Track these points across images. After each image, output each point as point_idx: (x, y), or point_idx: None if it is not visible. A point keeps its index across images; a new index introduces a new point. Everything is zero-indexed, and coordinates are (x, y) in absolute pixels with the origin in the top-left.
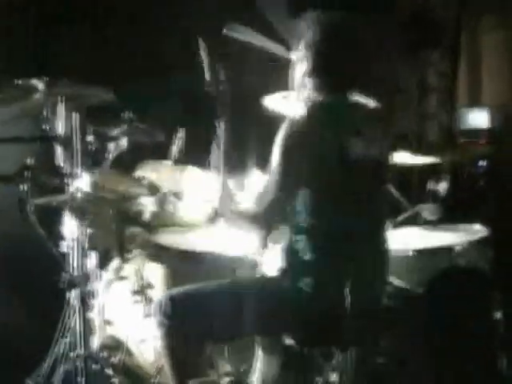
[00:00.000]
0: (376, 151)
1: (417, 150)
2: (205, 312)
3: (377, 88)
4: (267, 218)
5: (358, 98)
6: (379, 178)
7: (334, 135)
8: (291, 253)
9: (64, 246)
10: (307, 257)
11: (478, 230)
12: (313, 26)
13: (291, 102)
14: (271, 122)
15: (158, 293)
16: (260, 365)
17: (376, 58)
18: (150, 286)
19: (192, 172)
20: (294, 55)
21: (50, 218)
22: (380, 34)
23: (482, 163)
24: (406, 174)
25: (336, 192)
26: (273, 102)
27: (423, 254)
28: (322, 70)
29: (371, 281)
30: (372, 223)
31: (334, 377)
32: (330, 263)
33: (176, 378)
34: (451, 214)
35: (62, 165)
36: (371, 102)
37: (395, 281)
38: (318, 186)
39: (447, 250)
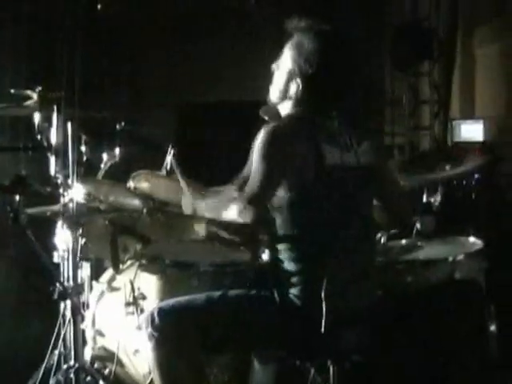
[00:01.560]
0: (353, 159)
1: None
2: (194, 325)
3: (363, 101)
4: (257, 229)
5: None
6: (361, 186)
7: (312, 145)
8: (275, 263)
9: (57, 257)
10: (291, 267)
11: (473, 243)
12: (303, 36)
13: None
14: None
15: (151, 304)
16: (255, 376)
17: (362, 73)
18: (143, 297)
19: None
20: (278, 66)
21: (43, 228)
22: (371, 45)
23: (477, 175)
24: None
25: (315, 200)
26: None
27: (417, 266)
28: (306, 86)
29: (360, 291)
30: (356, 233)
31: None
32: (314, 274)
33: None
34: (446, 226)
35: (55, 175)
36: (356, 116)
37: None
38: (298, 197)
39: (442, 262)
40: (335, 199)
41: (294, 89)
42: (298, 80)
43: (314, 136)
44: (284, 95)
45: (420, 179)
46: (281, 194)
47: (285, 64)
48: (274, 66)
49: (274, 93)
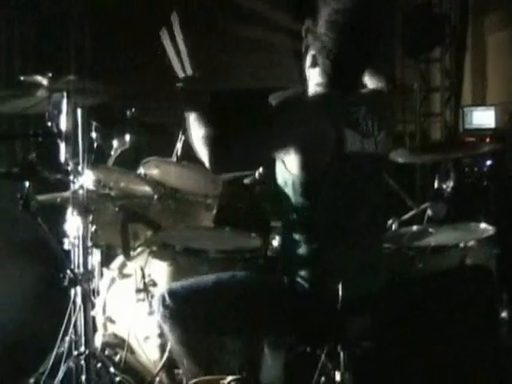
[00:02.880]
0: (373, 146)
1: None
2: (204, 305)
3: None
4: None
5: (359, 92)
6: (375, 173)
7: (329, 125)
8: (287, 247)
9: (67, 244)
10: (302, 251)
11: (484, 229)
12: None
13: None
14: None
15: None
16: (266, 362)
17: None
18: (153, 283)
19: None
20: (304, 45)
21: (53, 215)
22: (383, 29)
23: (488, 162)
24: (411, 172)
25: (331, 184)
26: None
27: (428, 252)
28: (327, 64)
29: (370, 276)
30: (368, 217)
31: (338, 376)
32: (326, 257)
33: (193, 364)
34: (457, 212)
35: (65, 161)
36: (372, 96)
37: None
38: (313, 177)
39: (453, 248)
40: (350, 183)
41: (319, 64)
42: (321, 56)
43: (337, 118)
44: (308, 70)
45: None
46: (295, 172)
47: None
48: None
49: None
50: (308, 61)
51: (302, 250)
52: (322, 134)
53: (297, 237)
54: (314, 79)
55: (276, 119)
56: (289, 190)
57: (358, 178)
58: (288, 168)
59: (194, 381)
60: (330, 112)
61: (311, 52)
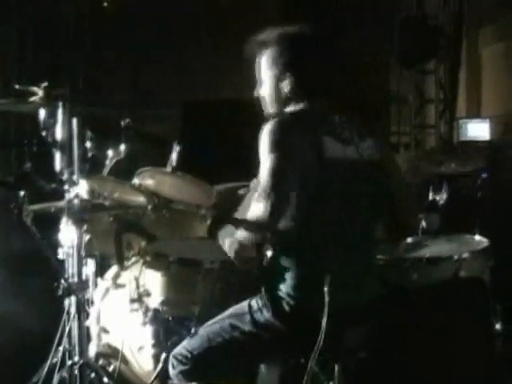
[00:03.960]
0: (355, 153)
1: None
2: (212, 363)
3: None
4: (273, 223)
5: (336, 105)
6: (363, 181)
7: (313, 138)
8: (277, 260)
9: (61, 253)
10: (289, 264)
11: (479, 241)
12: (270, 45)
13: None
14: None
15: (156, 300)
16: (261, 373)
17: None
18: (147, 293)
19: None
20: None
21: (48, 225)
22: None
23: (482, 174)
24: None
25: (315, 193)
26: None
27: (422, 263)
28: (296, 78)
29: (362, 287)
30: (358, 225)
31: None
32: (316, 269)
33: None
34: (451, 224)
35: (60, 171)
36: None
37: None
38: (299, 190)
39: (447, 260)
40: (336, 193)
41: (286, 87)
42: (288, 75)
43: (315, 128)
44: (280, 98)
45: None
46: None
47: (266, 74)
48: (256, 90)
49: (269, 105)
50: (271, 89)
51: (289, 262)
52: (305, 147)
53: (286, 249)
54: (286, 98)
55: (275, 157)
56: None
57: (344, 185)
58: None
59: None
60: (304, 124)
61: (269, 81)
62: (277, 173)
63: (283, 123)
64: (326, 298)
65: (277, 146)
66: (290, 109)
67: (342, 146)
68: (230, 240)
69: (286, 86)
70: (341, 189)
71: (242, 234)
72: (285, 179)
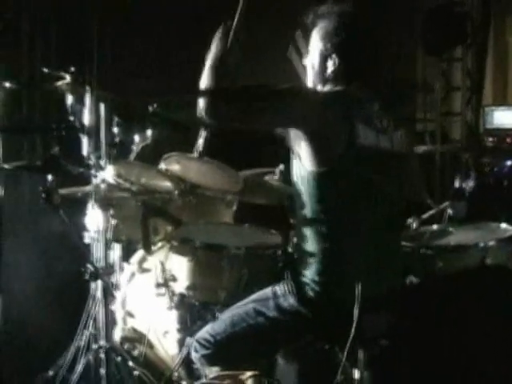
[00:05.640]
0: (388, 143)
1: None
2: (235, 349)
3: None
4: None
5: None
6: (392, 170)
7: (346, 122)
8: (302, 246)
9: (88, 238)
10: (316, 248)
11: (505, 229)
12: (327, 19)
13: None
14: None
15: (182, 285)
16: (283, 358)
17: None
18: (173, 278)
19: (216, 166)
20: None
21: (75, 209)
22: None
23: (508, 162)
24: (432, 171)
25: (344, 177)
26: None
27: (448, 251)
28: (336, 62)
29: (387, 274)
30: (384, 213)
31: (356, 374)
32: (341, 254)
33: None
34: (477, 211)
35: (87, 155)
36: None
37: (415, 276)
38: (326, 172)
39: (473, 248)
40: (364, 178)
41: (331, 66)
42: (334, 56)
43: (350, 113)
44: (322, 76)
45: None
46: (308, 168)
47: (316, 47)
48: (290, 53)
49: (311, 77)
50: (316, 63)
51: (316, 247)
52: (332, 125)
53: (311, 234)
54: (326, 80)
55: (286, 97)
56: (304, 186)
57: (373, 172)
58: (303, 162)
59: (213, 375)
60: (341, 106)
61: (316, 55)
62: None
63: (322, 98)
64: (358, 286)
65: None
66: (328, 88)
67: (375, 133)
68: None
69: (330, 66)
70: (370, 176)
71: None
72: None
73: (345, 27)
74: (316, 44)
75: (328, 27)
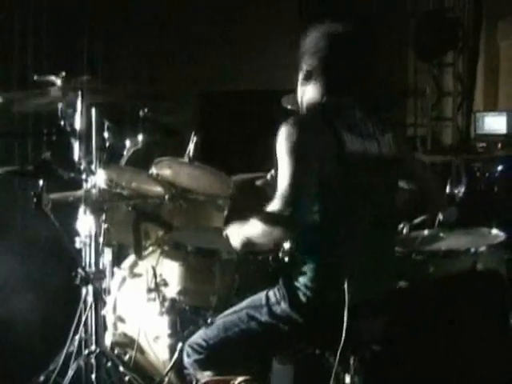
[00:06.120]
0: (375, 147)
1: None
2: (227, 354)
3: (382, 90)
4: (295, 218)
5: (359, 100)
6: (382, 175)
7: (332, 133)
8: (295, 251)
9: (79, 242)
10: (307, 256)
11: (496, 235)
12: (315, 36)
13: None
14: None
15: (173, 290)
16: (275, 363)
17: (378, 62)
18: (164, 283)
19: (207, 170)
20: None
21: (66, 214)
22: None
23: (499, 167)
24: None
25: (335, 186)
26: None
27: (439, 256)
28: (320, 73)
29: (379, 279)
30: (377, 219)
31: (347, 379)
32: (334, 260)
33: None
34: (468, 217)
35: (78, 160)
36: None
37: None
38: (318, 183)
39: (464, 253)
40: (355, 187)
41: (312, 81)
42: (313, 65)
43: (335, 123)
44: (306, 89)
45: None
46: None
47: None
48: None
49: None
50: (302, 77)
51: (309, 252)
52: (325, 143)
53: (304, 240)
54: (309, 94)
55: (294, 159)
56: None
57: (363, 179)
58: None
59: (205, 380)
60: (326, 119)
61: (305, 68)
62: (294, 175)
63: (300, 123)
64: (346, 291)
65: (293, 148)
66: (308, 104)
67: (361, 140)
68: (241, 231)
69: (312, 81)
70: (360, 182)
71: (255, 229)
72: (301, 180)
73: (320, 46)
74: (300, 60)
75: (304, 47)
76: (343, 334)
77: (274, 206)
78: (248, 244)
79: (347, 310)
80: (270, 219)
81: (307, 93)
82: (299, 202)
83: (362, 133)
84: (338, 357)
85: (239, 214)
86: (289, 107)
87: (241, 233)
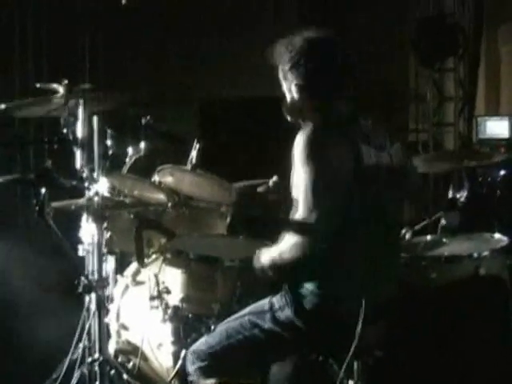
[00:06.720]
0: (387, 159)
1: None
2: (230, 360)
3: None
4: (320, 228)
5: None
6: (393, 185)
7: (351, 145)
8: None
9: (81, 250)
10: (317, 262)
11: (498, 239)
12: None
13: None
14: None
15: (176, 298)
16: (277, 369)
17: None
18: (167, 291)
19: (209, 178)
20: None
21: (68, 222)
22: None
23: (501, 171)
24: (425, 181)
25: (351, 200)
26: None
27: (441, 262)
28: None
29: (385, 286)
30: (387, 228)
31: None
32: (340, 267)
33: None
34: (471, 222)
35: (80, 168)
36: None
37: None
38: (336, 194)
39: (467, 258)
40: (369, 197)
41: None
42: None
43: (353, 136)
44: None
45: None
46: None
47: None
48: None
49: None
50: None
51: (316, 260)
52: (343, 155)
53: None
54: (310, 105)
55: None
56: None
57: (377, 190)
58: None
59: None
60: (346, 132)
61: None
62: (315, 186)
63: (318, 134)
64: (362, 299)
65: (312, 159)
66: (314, 116)
67: (375, 152)
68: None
69: (297, 95)
70: (373, 193)
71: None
72: (325, 190)
73: (307, 58)
74: (283, 80)
75: (288, 62)
76: (355, 341)
77: (302, 216)
78: (279, 260)
79: (351, 316)
80: (299, 230)
81: (308, 104)
82: (326, 212)
83: (375, 144)
84: (345, 364)
85: (242, 220)
86: (289, 114)
87: (272, 251)
